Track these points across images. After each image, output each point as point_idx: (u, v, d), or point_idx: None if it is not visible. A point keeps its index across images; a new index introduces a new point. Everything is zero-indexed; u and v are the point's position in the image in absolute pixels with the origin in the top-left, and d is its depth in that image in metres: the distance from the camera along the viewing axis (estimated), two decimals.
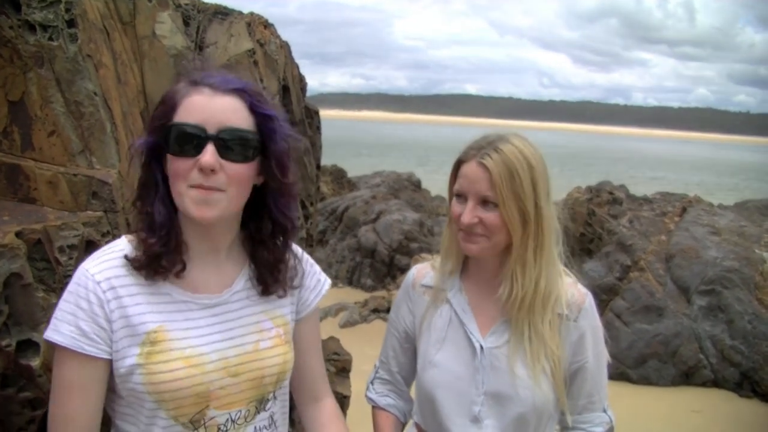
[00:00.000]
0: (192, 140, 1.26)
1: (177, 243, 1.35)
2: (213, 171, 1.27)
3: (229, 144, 1.29)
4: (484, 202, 1.64)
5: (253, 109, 1.34)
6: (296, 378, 1.61)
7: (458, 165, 1.71)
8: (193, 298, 1.39)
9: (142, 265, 1.33)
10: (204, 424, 1.37)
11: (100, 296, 1.30)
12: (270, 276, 1.47)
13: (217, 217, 1.31)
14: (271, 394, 1.49)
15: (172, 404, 1.32)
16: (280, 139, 1.38)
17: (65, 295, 1.32)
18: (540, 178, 1.65)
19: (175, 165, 1.28)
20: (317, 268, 1.66)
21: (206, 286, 1.41)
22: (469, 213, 1.65)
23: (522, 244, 1.66)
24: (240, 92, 1.33)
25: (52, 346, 1.31)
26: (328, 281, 1.67)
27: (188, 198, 1.28)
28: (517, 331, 1.72)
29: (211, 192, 1.28)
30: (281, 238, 1.48)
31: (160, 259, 1.33)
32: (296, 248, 1.59)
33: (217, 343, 1.39)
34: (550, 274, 1.70)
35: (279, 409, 1.55)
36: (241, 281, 1.47)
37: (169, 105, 1.31)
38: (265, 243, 1.46)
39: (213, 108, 1.28)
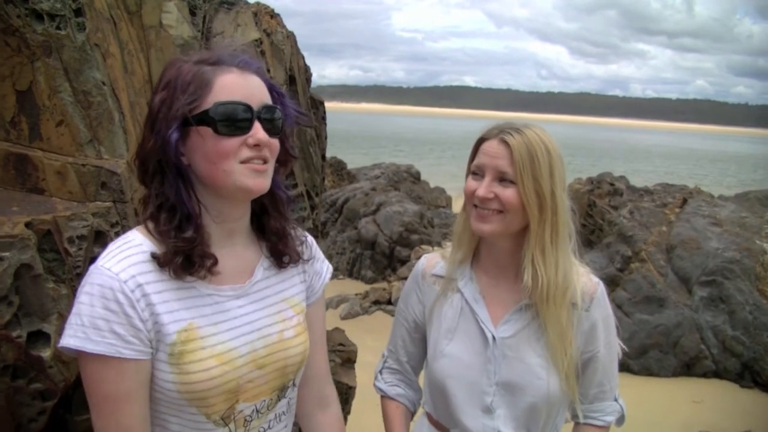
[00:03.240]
0: (241, 119, 1.29)
1: (203, 234, 1.33)
2: (264, 146, 1.31)
3: (270, 120, 1.33)
4: (502, 179, 1.65)
5: (269, 88, 1.38)
6: (302, 378, 1.59)
7: (479, 143, 1.73)
8: (218, 290, 1.36)
9: (174, 264, 1.28)
10: (233, 418, 1.36)
11: (129, 295, 1.23)
12: (281, 243, 1.49)
13: (267, 188, 1.35)
14: (291, 382, 1.49)
15: (205, 402, 1.30)
16: (289, 116, 1.43)
17: (85, 297, 1.23)
18: (557, 167, 1.66)
19: (224, 144, 1.27)
20: (322, 255, 1.68)
21: (228, 276, 1.39)
22: (485, 187, 1.66)
23: (540, 229, 1.66)
24: (259, 71, 1.37)
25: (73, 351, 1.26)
26: (330, 268, 1.69)
27: (240, 173, 1.29)
28: (535, 320, 1.72)
29: (265, 166, 1.32)
30: (281, 208, 1.50)
31: (194, 255, 1.30)
32: (298, 227, 1.62)
33: (246, 336, 1.37)
34: (566, 265, 1.70)
35: (295, 393, 1.56)
36: (261, 268, 1.46)
37: (198, 86, 1.28)
38: (269, 213, 1.48)
39: (250, 86, 1.31)
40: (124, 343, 1.22)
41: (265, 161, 1.32)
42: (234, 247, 1.42)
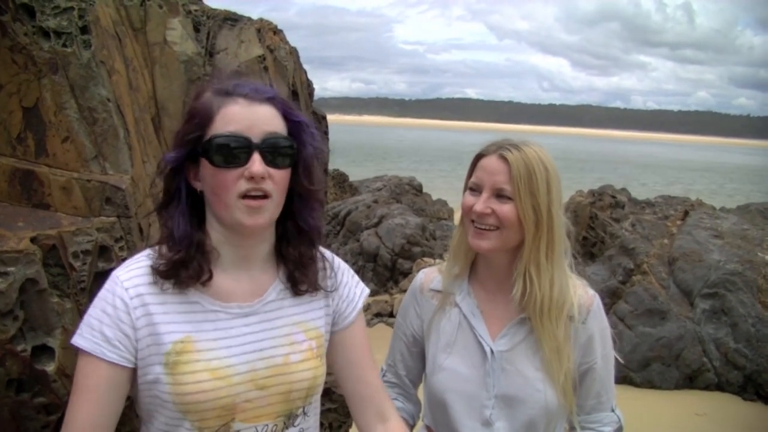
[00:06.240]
0: (238, 150, 1.28)
1: (201, 253, 1.34)
2: (263, 178, 1.29)
3: (274, 151, 1.31)
4: (499, 195, 1.67)
5: (286, 117, 1.37)
6: (356, 394, 1.59)
7: (477, 159, 1.75)
8: (224, 307, 1.37)
9: (164, 274, 1.32)
10: None
11: (127, 302, 1.29)
12: (299, 271, 1.46)
13: (267, 224, 1.34)
14: (301, 410, 1.45)
15: (197, 416, 1.31)
16: (309, 145, 1.40)
17: (95, 300, 1.31)
18: (554, 184, 1.69)
19: (221, 177, 1.29)
20: (356, 279, 1.65)
21: (237, 294, 1.39)
22: (482, 203, 1.68)
23: (534, 244, 1.68)
24: (273, 100, 1.35)
25: (72, 353, 1.31)
26: (366, 291, 1.66)
27: (238, 209, 1.30)
28: (532, 334, 1.74)
29: (262, 201, 1.31)
30: (303, 238, 1.47)
31: (181, 268, 1.32)
32: (331, 255, 1.58)
33: (247, 354, 1.37)
34: (562, 280, 1.72)
35: (312, 425, 1.51)
36: (274, 291, 1.45)
37: (202, 117, 1.30)
38: (290, 242, 1.46)
39: (253, 117, 1.30)
40: (109, 346, 1.28)
41: (265, 195, 1.31)
42: (250, 270, 1.42)
